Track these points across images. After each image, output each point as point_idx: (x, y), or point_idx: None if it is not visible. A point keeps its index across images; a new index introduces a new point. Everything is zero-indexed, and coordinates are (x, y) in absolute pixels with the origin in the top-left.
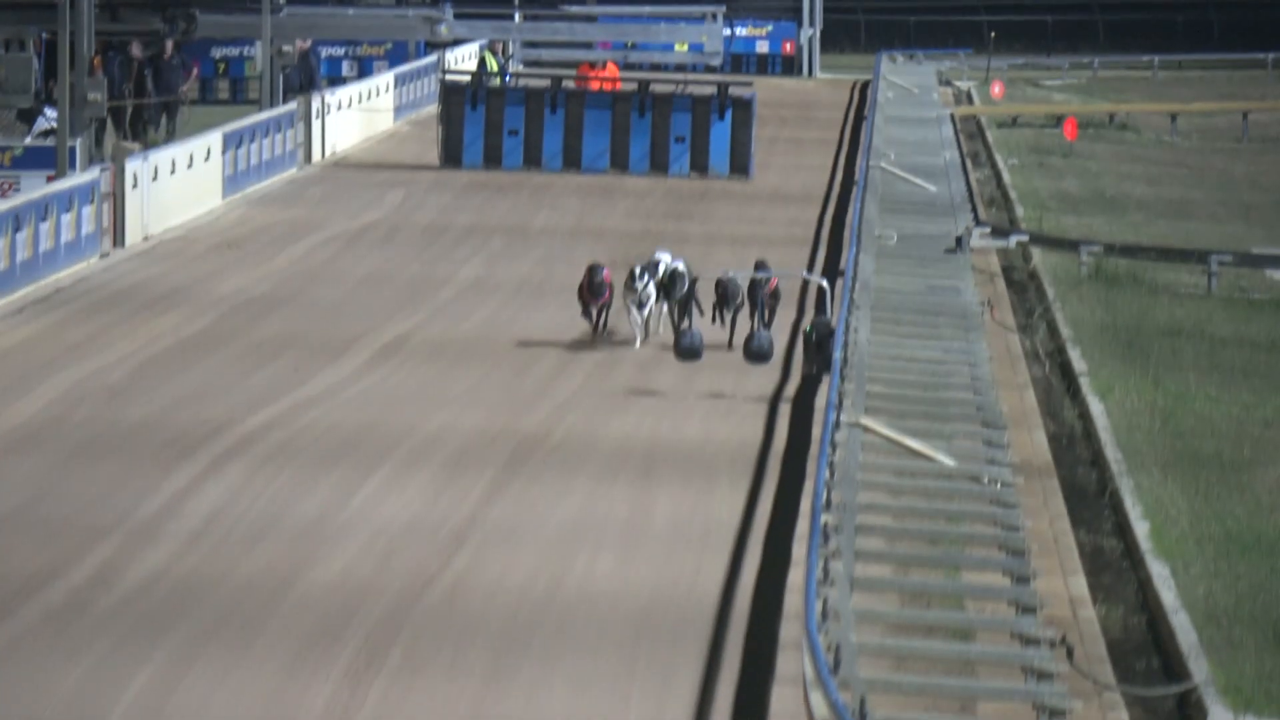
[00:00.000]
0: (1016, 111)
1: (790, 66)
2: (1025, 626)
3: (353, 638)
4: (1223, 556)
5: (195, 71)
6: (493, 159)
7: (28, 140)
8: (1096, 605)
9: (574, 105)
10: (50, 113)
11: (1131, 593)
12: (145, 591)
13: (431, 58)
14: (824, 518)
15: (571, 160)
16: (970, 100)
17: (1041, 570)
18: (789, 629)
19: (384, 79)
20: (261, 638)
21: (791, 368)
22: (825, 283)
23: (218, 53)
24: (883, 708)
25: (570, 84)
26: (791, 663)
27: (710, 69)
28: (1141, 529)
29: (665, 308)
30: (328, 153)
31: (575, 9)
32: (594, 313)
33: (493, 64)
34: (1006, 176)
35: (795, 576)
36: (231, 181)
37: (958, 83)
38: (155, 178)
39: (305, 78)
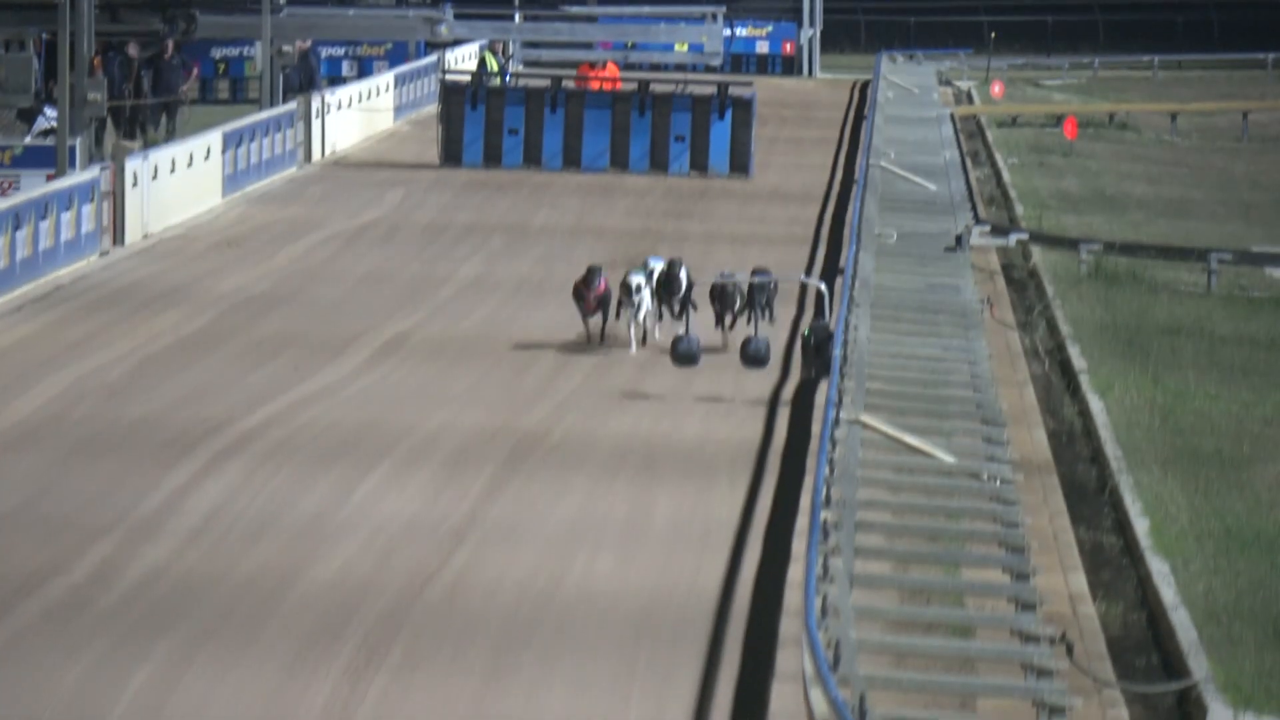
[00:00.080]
0: (1016, 111)
1: (790, 66)
2: (1025, 623)
3: (352, 636)
4: (1222, 553)
5: (195, 71)
6: (493, 158)
7: (28, 139)
8: (1096, 602)
9: (574, 105)
10: (50, 112)
11: (1131, 589)
12: (145, 589)
13: (431, 58)
14: (824, 514)
15: (571, 159)
16: (970, 100)
17: (1041, 567)
18: (789, 626)
19: (384, 79)
20: (261, 636)
21: (791, 367)
22: (824, 286)
23: (218, 53)
24: (882, 704)
25: (570, 84)
26: (791, 660)
27: (710, 69)
28: (1141, 526)
29: (663, 310)
30: (328, 152)
31: (575, 9)
32: (590, 317)
33: (493, 64)
34: (1006, 175)
35: (795, 573)
36: (231, 180)
37: (958, 82)
38: (155, 176)
39: (305, 77)
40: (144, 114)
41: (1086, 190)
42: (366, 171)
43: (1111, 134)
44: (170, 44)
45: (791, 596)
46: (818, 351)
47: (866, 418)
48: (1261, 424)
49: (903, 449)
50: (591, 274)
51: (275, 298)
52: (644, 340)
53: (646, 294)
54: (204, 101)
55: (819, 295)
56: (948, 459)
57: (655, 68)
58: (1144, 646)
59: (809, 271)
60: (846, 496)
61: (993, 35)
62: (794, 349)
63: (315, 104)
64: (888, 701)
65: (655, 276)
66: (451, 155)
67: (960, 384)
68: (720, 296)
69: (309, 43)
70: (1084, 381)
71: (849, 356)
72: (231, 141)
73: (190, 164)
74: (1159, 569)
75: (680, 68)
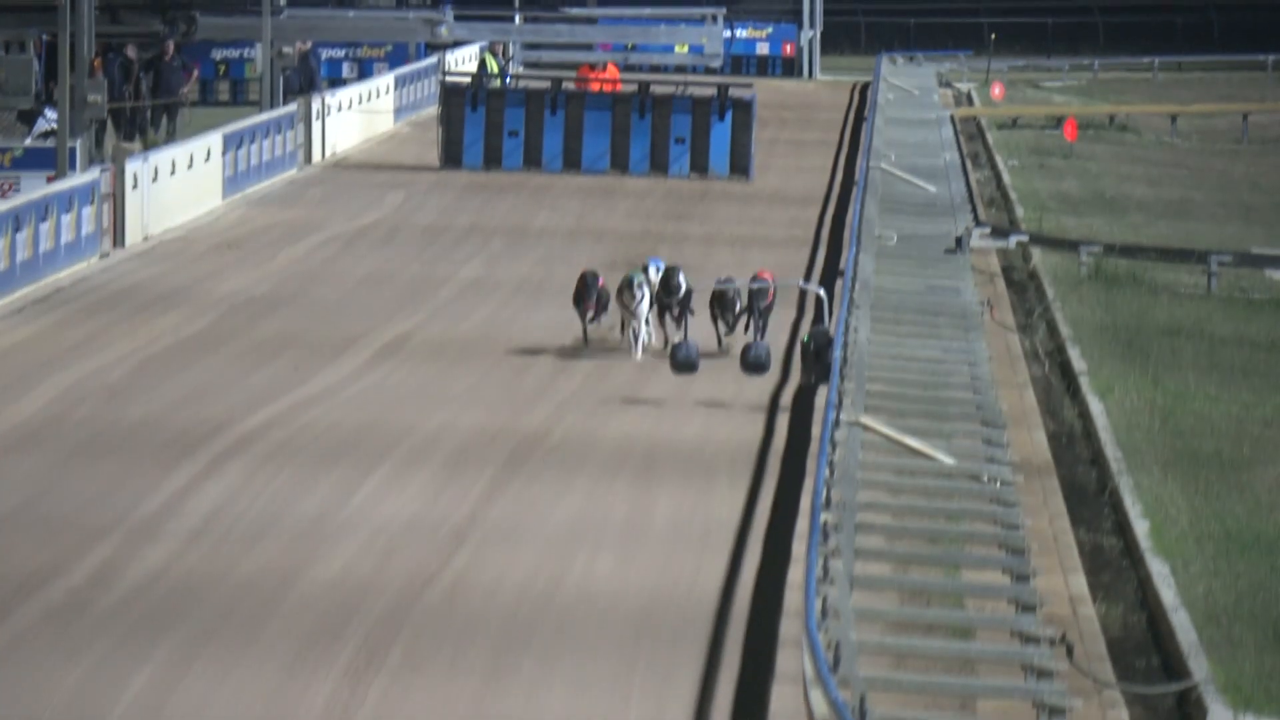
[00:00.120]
0: (1016, 113)
1: (790, 68)
2: (1025, 625)
3: (353, 637)
4: (1222, 555)
5: (195, 73)
6: (493, 160)
7: (28, 141)
8: (1096, 603)
9: (574, 106)
10: (50, 114)
11: (1131, 591)
12: (145, 591)
13: (432, 59)
14: (824, 516)
15: (571, 161)
16: (970, 102)
17: (1041, 568)
18: (789, 627)
19: (384, 80)
20: (261, 637)
21: (790, 370)
22: (823, 292)
23: (218, 54)
24: (882, 706)
25: (570, 85)
26: (791, 661)
27: (710, 70)
28: (1141, 527)
29: (661, 314)
30: (328, 154)
31: (575, 11)
32: (588, 321)
33: (493, 65)
34: (1006, 177)
35: (795, 574)
36: (231, 182)
37: (958, 84)
38: (155, 178)
39: (305, 79)
40: (141, 116)
41: (1086, 192)
42: (367, 173)
43: (1111, 136)
44: (171, 45)
45: (792, 598)
46: (817, 357)
47: (866, 419)
48: (1261, 426)
49: (903, 451)
50: (588, 282)
51: (275, 299)
52: (644, 346)
53: (645, 300)
54: (204, 103)
55: (818, 300)
56: (948, 461)
57: (655, 69)
58: (1144, 648)
59: (809, 273)
60: (846, 498)
61: (993, 37)
62: (793, 352)
63: (315, 106)
64: (888, 703)
65: (655, 278)
66: (452, 157)
67: (960, 386)
68: (720, 302)
69: (309, 44)
70: (1084, 383)
71: (849, 358)
72: (232, 143)
73: (190, 166)
74: (1159, 571)
75: (680, 69)
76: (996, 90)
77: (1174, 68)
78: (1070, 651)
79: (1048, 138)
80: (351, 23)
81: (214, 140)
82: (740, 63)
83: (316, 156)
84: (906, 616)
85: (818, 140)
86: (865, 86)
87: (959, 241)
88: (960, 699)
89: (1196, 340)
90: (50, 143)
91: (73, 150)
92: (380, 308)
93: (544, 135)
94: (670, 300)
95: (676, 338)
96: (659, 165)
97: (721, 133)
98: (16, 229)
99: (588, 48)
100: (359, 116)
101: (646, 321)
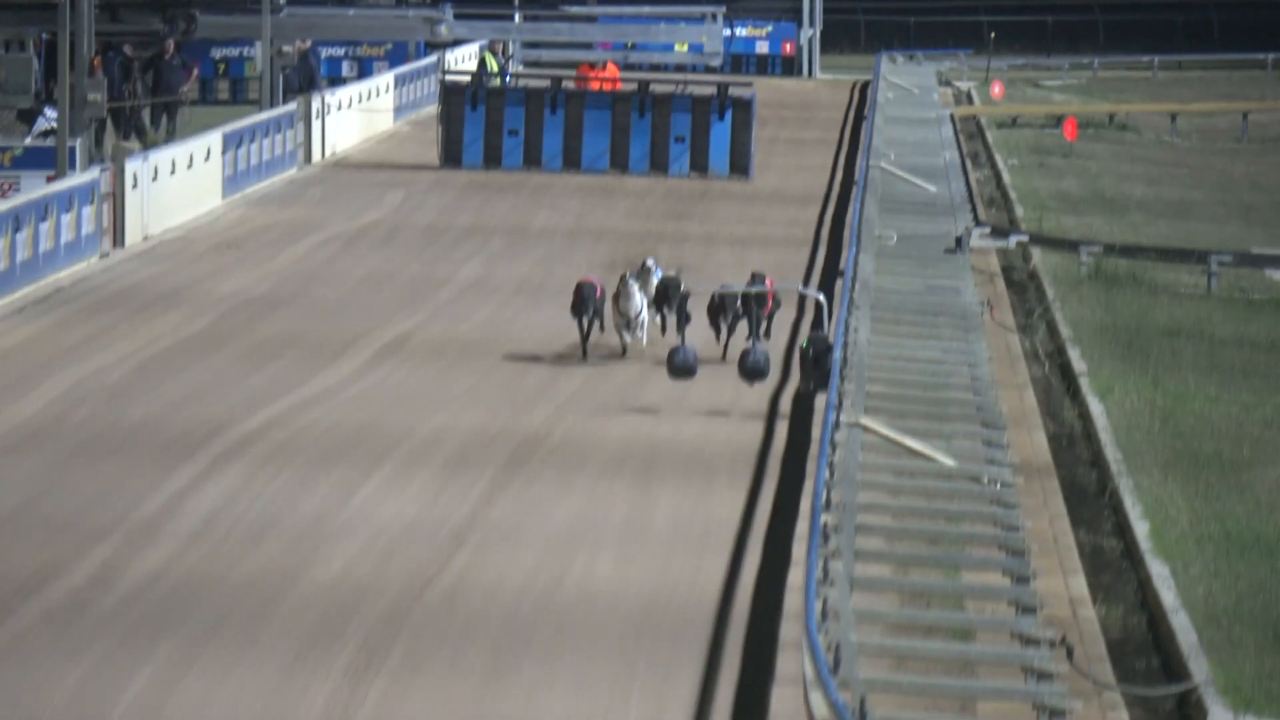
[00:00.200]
0: (1016, 112)
1: (790, 67)
2: (1025, 626)
3: (353, 637)
4: (1222, 556)
5: (195, 72)
6: (493, 159)
7: (28, 140)
8: (1096, 605)
9: (574, 105)
10: (50, 113)
11: (1131, 592)
12: (145, 591)
13: (431, 58)
14: (824, 518)
15: (571, 160)
16: (970, 100)
17: (1041, 570)
18: (789, 629)
19: (384, 79)
20: (262, 637)
21: (790, 371)
22: (822, 297)
23: (218, 53)
24: (883, 708)
25: (570, 84)
26: (791, 662)
27: (710, 69)
28: (1141, 529)
29: (660, 319)
30: (328, 153)
31: (575, 9)
32: (585, 328)
33: (493, 64)
34: (1006, 177)
35: (795, 576)
36: (231, 182)
37: (958, 83)
38: (155, 178)
39: (305, 78)
40: (138, 115)
41: (1086, 191)
42: (366, 173)
43: (1111, 135)
44: (170, 44)
45: (792, 599)
46: (816, 363)
47: (866, 421)
48: (1262, 426)
49: (903, 452)
50: (584, 294)
51: (275, 299)
52: (637, 343)
53: (642, 301)
54: (204, 102)
55: (818, 305)
56: (948, 462)
57: (655, 68)
58: (1144, 649)
59: (809, 272)
60: (846, 500)
61: (992, 35)
62: (793, 353)
63: (315, 105)
64: (888, 704)
65: (654, 283)
66: (451, 156)
67: (960, 386)
68: (719, 308)
69: (309, 43)
70: (1084, 384)
71: (849, 359)
72: (231, 143)
73: (190, 165)
74: (1159, 572)
75: (680, 68)
76: (996, 89)
77: (1174, 66)
78: (1070, 653)
79: (1047, 137)
80: (351, 21)
81: (214, 139)
82: (740, 61)
83: (316, 156)
84: (907, 618)
85: (817, 139)
86: (865, 85)
87: (959, 241)
88: (960, 701)
89: (1196, 340)
90: (50, 142)
91: (72, 149)
92: (380, 308)
93: (544, 134)
94: (667, 304)
95: (675, 342)
96: (659, 164)
97: (721, 132)
98: (16, 229)
99: (587, 46)
100: (359, 115)
101: (642, 325)
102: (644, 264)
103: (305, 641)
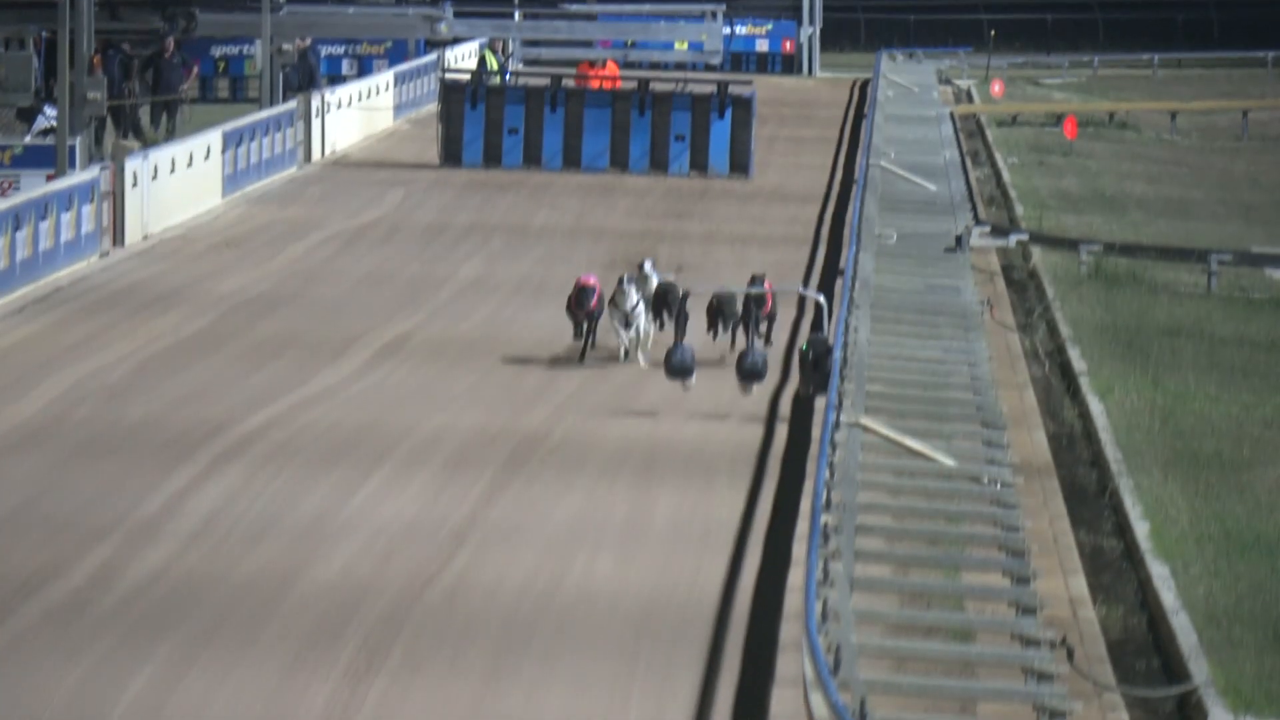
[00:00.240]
0: (1016, 110)
1: (790, 65)
2: (1025, 627)
3: (352, 637)
4: (1223, 556)
5: (195, 70)
6: (492, 158)
7: (27, 139)
8: (1096, 606)
9: (574, 104)
10: (50, 111)
11: (1131, 593)
12: (145, 591)
13: (431, 56)
14: (824, 518)
15: (571, 159)
16: (970, 99)
17: (1041, 571)
18: (789, 629)
19: (384, 77)
20: (261, 637)
21: (790, 373)
22: (822, 298)
23: (217, 51)
24: (883, 709)
25: (570, 82)
26: (791, 663)
27: (710, 67)
28: (1141, 529)
29: (658, 324)
30: (327, 151)
31: (575, 7)
32: (584, 330)
33: (493, 62)
34: (1006, 175)
35: (795, 577)
36: (231, 180)
37: (957, 81)
38: (155, 176)
39: (305, 76)
40: (136, 114)
41: (1086, 190)
42: (366, 171)
43: (1111, 133)
44: (170, 42)
45: (792, 600)
46: (815, 366)
47: (866, 420)
48: (1262, 426)
49: (903, 452)
50: (584, 295)
51: (275, 299)
52: (636, 351)
53: (640, 306)
54: (204, 100)
55: (817, 306)
56: (948, 462)
57: (655, 66)
58: (1144, 650)
59: (809, 271)
60: (846, 500)
61: (992, 34)
62: (792, 354)
63: (315, 103)
64: (888, 706)
65: (652, 286)
66: (451, 155)
67: (960, 386)
68: (719, 309)
69: (308, 41)
70: (1084, 384)
71: (849, 359)
72: (231, 141)
73: (190, 164)
74: (1159, 572)
75: (680, 66)
76: (996, 87)
77: (1174, 65)
78: (1070, 654)
79: (1047, 135)
80: (351, 19)
81: (213, 138)
82: (740, 60)
83: (316, 154)
84: (907, 619)
85: (817, 137)
86: (865, 83)
87: (959, 240)
88: (961, 702)
89: (1196, 340)
90: (50, 140)
91: (72, 148)
92: (380, 307)
93: (544, 133)
94: (666, 309)
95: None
96: (659, 163)
97: (721, 130)
98: (16, 227)
99: (587, 45)
100: (358, 114)
101: (644, 336)
102: (641, 267)
103: (305, 642)
